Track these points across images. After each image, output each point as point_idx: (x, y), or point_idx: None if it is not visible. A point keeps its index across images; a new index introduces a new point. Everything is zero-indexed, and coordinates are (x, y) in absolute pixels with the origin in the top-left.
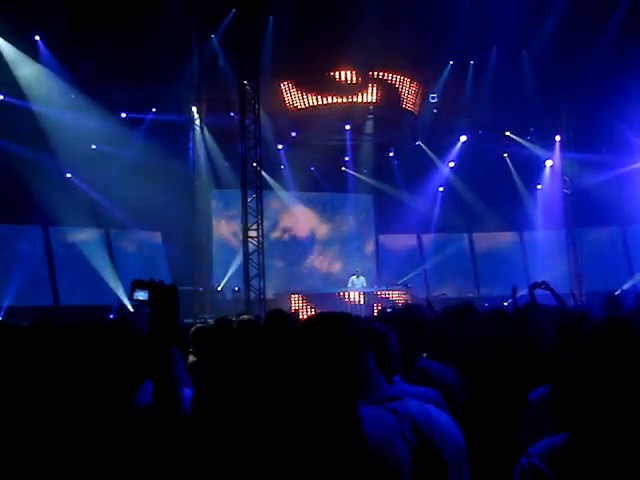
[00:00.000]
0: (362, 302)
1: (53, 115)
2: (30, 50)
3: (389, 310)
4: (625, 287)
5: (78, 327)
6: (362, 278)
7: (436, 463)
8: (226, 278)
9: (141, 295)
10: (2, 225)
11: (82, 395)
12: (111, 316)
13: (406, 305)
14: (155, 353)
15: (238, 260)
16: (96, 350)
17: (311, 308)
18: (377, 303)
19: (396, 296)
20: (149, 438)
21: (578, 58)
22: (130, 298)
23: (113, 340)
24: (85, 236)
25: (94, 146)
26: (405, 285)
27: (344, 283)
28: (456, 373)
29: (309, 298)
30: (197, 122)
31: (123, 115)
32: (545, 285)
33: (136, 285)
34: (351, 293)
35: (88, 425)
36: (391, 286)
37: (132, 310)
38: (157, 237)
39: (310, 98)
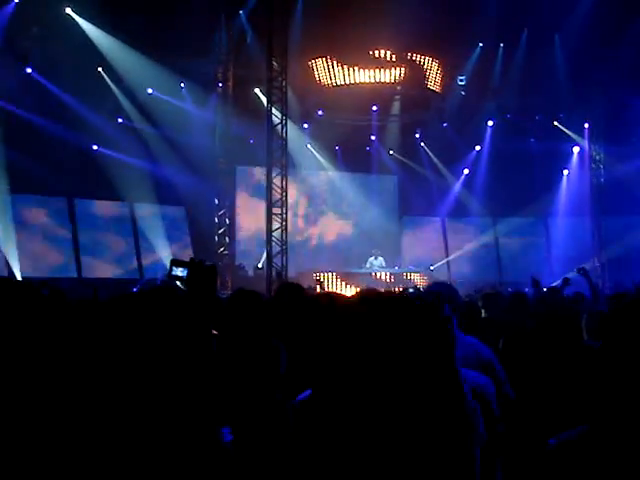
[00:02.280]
0: (390, 281)
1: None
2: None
3: (411, 291)
4: None
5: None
6: (380, 259)
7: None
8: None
9: (180, 271)
10: (28, 195)
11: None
12: (134, 290)
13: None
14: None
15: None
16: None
17: (342, 285)
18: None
19: (418, 279)
20: None
21: (611, 44)
22: (169, 275)
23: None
24: (109, 210)
25: (120, 120)
26: (427, 268)
27: (363, 264)
28: (490, 349)
29: (339, 276)
30: (223, 98)
31: (149, 91)
32: (583, 271)
33: (175, 263)
34: (378, 274)
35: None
36: (413, 268)
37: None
38: (180, 212)
39: (345, 74)
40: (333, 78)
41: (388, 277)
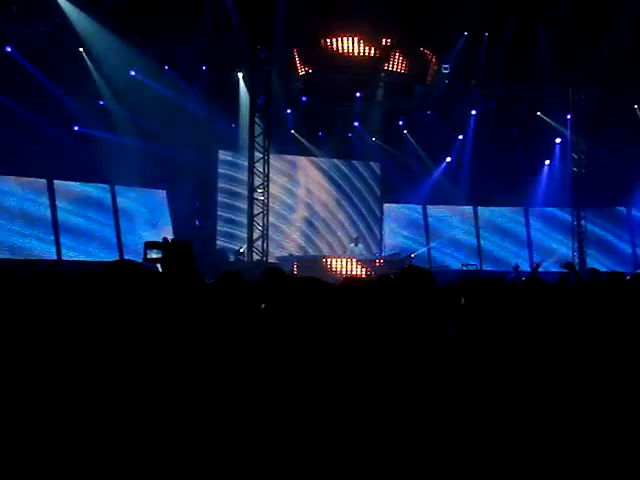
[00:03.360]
0: (360, 272)
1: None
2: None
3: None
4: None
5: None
6: (360, 246)
7: None
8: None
9: (154, 253)
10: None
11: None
12: None
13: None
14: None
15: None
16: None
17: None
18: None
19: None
20: None
21: (594, 34)
22: (144, 259)
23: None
24: (90, 191)
25: (102, 102)
26: (408, 256)
27: (344, 250)
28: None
29: (318, 262)
30: (207, 82)
31: (132, 73)
32: (570, 266)
33: (150, 245)
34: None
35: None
36: (393, 255)
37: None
38: (162, 194)
39: (313, 66)
40: (305, 68)
41: (359, 268)
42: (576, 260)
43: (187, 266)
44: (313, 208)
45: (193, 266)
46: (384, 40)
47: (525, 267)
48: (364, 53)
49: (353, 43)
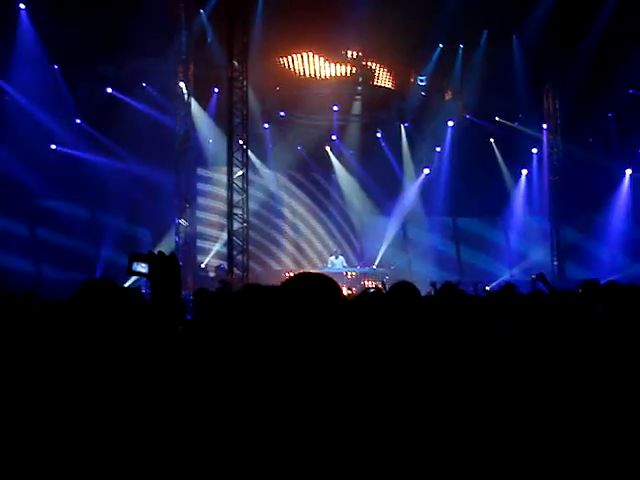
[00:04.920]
0: (351, 280)
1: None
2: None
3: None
4: None
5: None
6: (341, 258)
7: None
8: (210, 256)
9: (141, 267)
10: None
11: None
12: None
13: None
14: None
15: (224, 237)
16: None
17: None
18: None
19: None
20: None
21: (568, 46)
22: (129, 272)
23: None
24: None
25: (78, 120)
26: (389, 267)
27: (324, 263)
28: None
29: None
30: (184, 98)
31: (109, 90)
32: (541, 277)
33: (135, 258)
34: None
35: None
36: (374, 268)
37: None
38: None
39: (306, 69)
40: (295, 75)
41: (349, 276)
42: (555, 269)
43: (173, 279)
44: (293, 222)
45: (179, 280)
46: (351, 53)
47: (505, 277)
48: (334, 73)
49: (311, 61)
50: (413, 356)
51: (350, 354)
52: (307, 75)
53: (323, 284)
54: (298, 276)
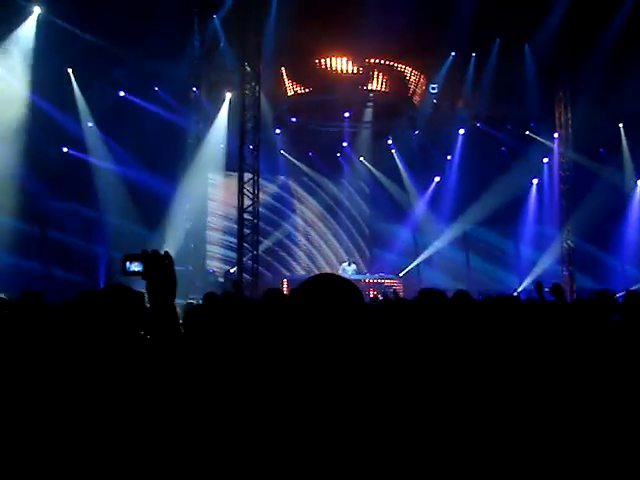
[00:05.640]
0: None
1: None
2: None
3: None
4: None
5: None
6: (353, 266)
7: None
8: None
9: (135, 266)
10: None
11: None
12: None
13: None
14: (159, 323)
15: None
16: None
17: None
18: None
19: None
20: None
21: (580, 55)
22: (122, 272)
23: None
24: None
25: (90, 124)
26: (397, 275)
27: (333, 269)
28: None
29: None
30: (196, 102)
31: (121, 94)
32: (538, 286)
33: (128, 258)
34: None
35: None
36: (384, 275)
37: None
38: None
39: (302, 85)
40: (294, 87)
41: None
42: (565, 279)
43: (168, 278)
44: (303, 228)
45: (174, 278)
46: (370, 60)
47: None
48: (353, 72)
49: (343, 63)
50: (434, 357)
51: (374, 356)
52: (320, 78)
53: (346, 287)
54: (320, 278)
